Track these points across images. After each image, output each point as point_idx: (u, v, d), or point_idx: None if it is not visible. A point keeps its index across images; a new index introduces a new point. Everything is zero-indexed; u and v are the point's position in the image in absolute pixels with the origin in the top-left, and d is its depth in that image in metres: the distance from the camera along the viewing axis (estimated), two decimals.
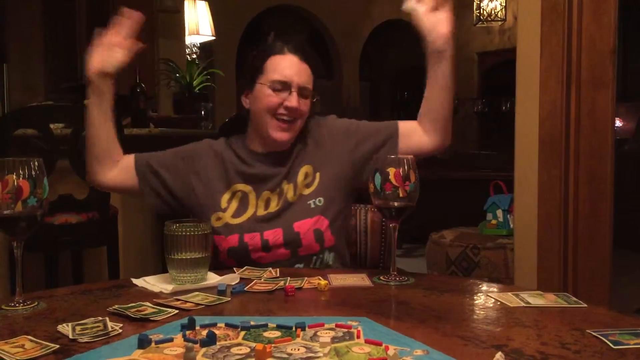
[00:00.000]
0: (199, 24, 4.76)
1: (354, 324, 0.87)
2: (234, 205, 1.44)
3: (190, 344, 0.74)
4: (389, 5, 8.58)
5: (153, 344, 0.79)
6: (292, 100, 1.43)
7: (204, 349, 0.77)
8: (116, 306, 0.96)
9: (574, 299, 1.03)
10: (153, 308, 0.96)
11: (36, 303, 1.00)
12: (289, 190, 1.44)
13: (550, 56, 2.25)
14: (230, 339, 0.81)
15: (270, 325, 0.85)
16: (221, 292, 1.07)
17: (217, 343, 0.79)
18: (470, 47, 8.50)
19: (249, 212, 1.43)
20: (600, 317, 0.94)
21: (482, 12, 6.90)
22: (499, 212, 3.40)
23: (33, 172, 0.99)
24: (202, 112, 3.76)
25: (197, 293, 1.06)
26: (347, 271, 1.26)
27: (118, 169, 1.46)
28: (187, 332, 0.83)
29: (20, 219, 0.99)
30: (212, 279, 1.16)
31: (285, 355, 0.75)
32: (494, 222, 3.40)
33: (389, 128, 1.48)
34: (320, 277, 1.13)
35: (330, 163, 1.47)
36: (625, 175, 4.41)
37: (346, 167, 1.47)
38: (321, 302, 1.05)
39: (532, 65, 2.29)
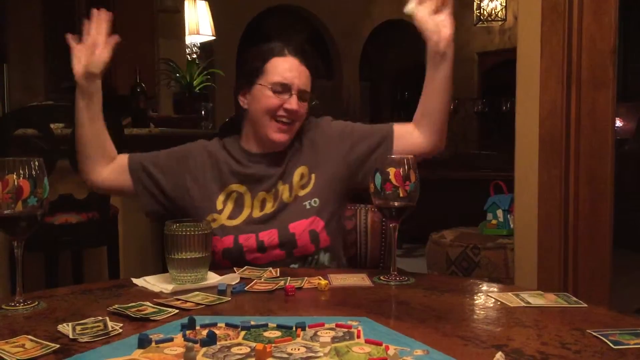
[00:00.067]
0: (199, 24, 4.76)
1: (354, 323, 0.87)
2: (230, 206, 1.44)
3: (190, 344, 0.74)
4: (389, 5, 8.58)
5: (153, 344, 0.79)
6: (292, 103, 1.43)
7: (204, 349, 0.77)
8: (116, 306, 0.96)
9: (574, 299, 1.03)
10: (153, 308, 0.96)
11: (36, 303, 1.00)
12: (284, 191, 1.44)
13: (551, 56, 2.25)
14: (230, 339, 0.81)
15: (271, 325, 0.85)
16: (221, 292, 1.07)
17: (218, 343, 0.79)
18: (470, 47, 8.50)
19: (245, 214, 1.43)
20: (600, 317, 0.94)
21: (482, 12, 6.91)
22: (499, 212, 3.39)
23: (33, 172, 0.99)
24: (203, 112, 3.76)
25: (197, 293, 1.06)
26: (347, 271, 1.26)
27: (111, 169, 1.46)
28: (188, 332, 0.83)
29: (20, 219, 0.99)
30: (212, 278, 1.16)
31: (285, 355, 0.75)
32: (494, 222, 3.40)
33: (384, 130, 1.48)
34: (320, 277, 1.13)
35: (326, 164, 1.47)
36: (625, 175, 4.41)
37: (341, 169, 1.47)
38: (321, 302, 1.05)
39: (532, 65, 2.29)
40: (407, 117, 1.50)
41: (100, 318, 0.90)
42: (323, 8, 8.15)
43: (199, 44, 5.01)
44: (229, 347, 0.78)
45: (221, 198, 1.45)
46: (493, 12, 6.88)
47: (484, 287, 1.17)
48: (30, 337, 0.83)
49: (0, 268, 2.52)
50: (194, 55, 4.90)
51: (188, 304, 0.99)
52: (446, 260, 3.29)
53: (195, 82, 3.68)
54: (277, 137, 1.44)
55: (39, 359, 0.76)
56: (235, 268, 1.27)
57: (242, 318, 0.89)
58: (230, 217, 1.42)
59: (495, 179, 3.64)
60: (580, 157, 2.23)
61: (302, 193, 1.45)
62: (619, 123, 6.33)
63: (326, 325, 0.85)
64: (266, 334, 0.82)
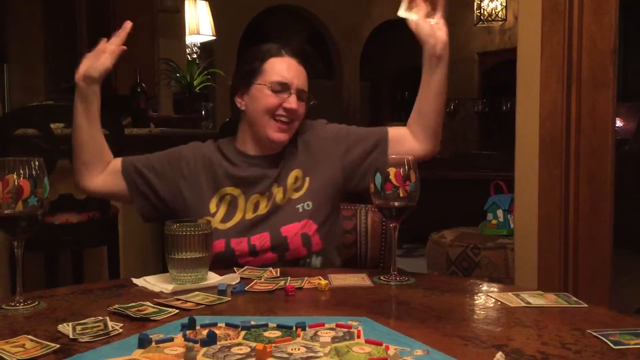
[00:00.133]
0: (199, 24, 4.76)
1: (355, 323, 0.87)
2: (223, 209, 1.43)
3: (190, 344, 0.74)
4: (389, 5, 8.56)
5: (153, 344, 0.79)
6: (292, 102, 1.43)
7: (204, 349, 0.77)
8: (117, 306, 0.96)
9: (575, 299, 1.03)
10: (153, 308, 0.96)
11: (37, 303, 1.00)
12: (278, 194, 1.44)
13: (551, 56, 2.25)
14: (230, 339, 0.81)
15: (271, 325, 0.85)
16: (221, 292, 1.07)
17: (218, 343, 0.79)
18: (470, 47, 8.50)
19: (238, 217, 1.42)
20: (600, 317, 0.94)
21: (482, 12, 6.90)
22: (500, 212, 3.39)
23: (34, 172, 0.99)
24: (203, 112, 3.76)
25: (197, 293, 1.06)
26: (347, 271, 1.26)
27: (105, 174, 1.45)
28: (188, 332, 0.83)
29: (20, 219, 0.99)
30: (213, 278, 1.16)
31: (285, 355, 0.75)
32: (494, 222, 3.40)
33: (379, 133, 1.48)
34: (320, 277, 1.13)
35: (320, 168, 1.46)
36: (625, 175, 4.41)
37: (336, 172, 1.47)
38: (321, 302, 1.05)
39: (532, 65, 2.29)
40: (407, 117, 1.50)
41: (101, 318, 0.90)
42: (323, 8, 8.15)
43: (199, 44, 5.01)
44: (229, 347, 0.78)
45: (214, 201, 1.44)
46: (493, 12, 6.88)
47: (484, 287, 1.17)
48: (30, 337, 0.83)
49: (1, 268, 2.52)
50: (194, 55, 4.90)
51: (188, 304, 0.99)
52: (446, 260, 3.29)
53: (195, 82, 3.68)
54: (276, 137, 1.44)
55: (39, 359, 0.76)
56: (235, 268, 1.27)
57: (242, 318, 0.89)
58: (223, 220, 1.42)
59: (495, 179, 3.64)
60: (580, 157, 2.23)
61: (295, 196, 1.44)
62: (619, 123, 6.32)
63: (326, 325, 0.85)
64: (266, 334, 0.82)
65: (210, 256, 1.18)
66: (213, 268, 1.34)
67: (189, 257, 1.13)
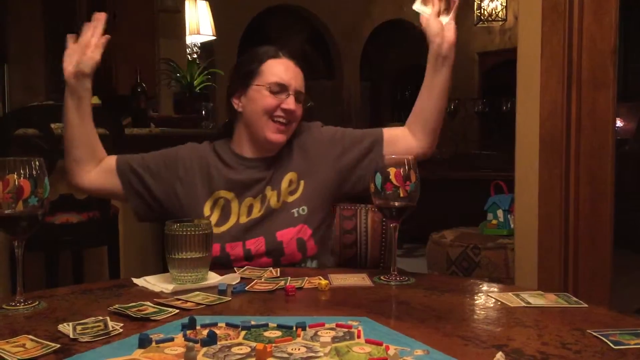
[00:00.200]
0: (199, 24, 4.76)
1: (355, 323, 0.87)
2: (217, 213, 1.42)
3: (191, 344, 0.74)
4: (390, 5, 8.58)
5: (154, 344, 0.79)
6: (290, 103, 1.43)
7: (204, 349, 0.77)
8: (117, 306, 0.96)
9: (575, 299, 1.03)
10: (154, 308, 0.96)
11: (37, 302, 1.00)
12: (272, 197, 1.43)
13: (551, 56, 2.25)
14: (230, 339, 0.81)
15: (271, 324, 0.85)
16: (222, 292, 1.07)
17: (218, 343, 0.79)
18: (470, 47, 8.50)
19: (232, 221, 1.42)
20: (600, 317, 0.94)
21: (482, 12, 6.90)
22: (500, 212, 3.39)
23: (34, 172, 0.99)
24: (203, 112, 3.76)
25: (197, 293, 1.06)
26: (347, 271, 1.26)
27: (99, 171, 1.44)
28: (188, 332, 0.83)
29: (21, 219, 1.00)
30: (213, 278, 1.16)
31: (285, 355, 0.75)
32: (494, 222, 3.40)
33: (374, 135, 1.48)
34: (320, 277, 1.13)
35: (315, 171, 1.46)
36: (625, 175, 4.41)
37: (331, 176, 1.47)
38: (322, 302, 1.05)
39: (532, 65, 2.29)
40: (407, 117, 1.50)
41: (101, 318, 0.90)
42: (323, 8, 8.15)
43: (199, 44, 5.01)
44: (229, 347, 0.78)
45: (208, 204, 1.43)
46: (493, 12, 6.87)
47: (485, 287, 1.17)
48: (30, 336, 0.83)
49: (1, 268, 2.52)
50: (195, 55, 4.90)
51: (188, 304, 0.99)
52: (446, 260, 3.29)
53: (195, 82, 3.68)
54: (274, 138, 1.44)
55: (39, 359, 0.76)
56: (235, 268, 1.27)
57: (242, 318, 0.89)
58: (217, 224, 1.41)
59: (495, 179, 3.64)
60: (580, 157, 2.23)
61: (290, 199, 1.44)
62: (619, 123, 6.32)
63: (326, 325, 0.85)
64: (266, 333, 0.82)
65: (211, 256, 1.18)
66: (210, 270, 1.35)
67: (189, 257, 1.13)
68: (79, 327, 0.86)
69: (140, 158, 1.47)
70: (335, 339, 0.80)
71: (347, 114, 8.65)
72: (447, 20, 1.36)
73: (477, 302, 1.05)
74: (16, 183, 0.97)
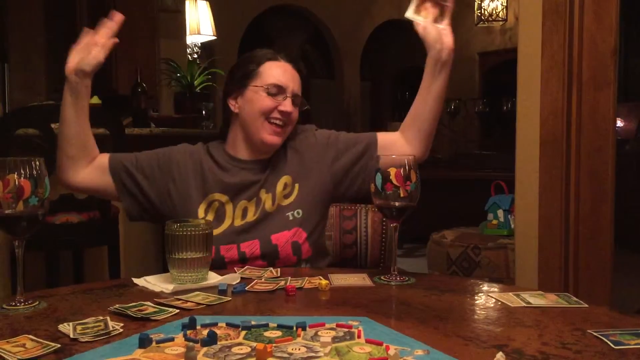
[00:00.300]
0: (200, 24, 4.76)
1: (355, 323, 0.87)
2: (211, 216, 1.42)
3: (191, 344, 0.74)
4: (390, 5, 8.58)
5: (154, 344, 0.79)
6: (287, 105, 1.43)
7: (204, 349, 0.77)
8: (117, 306, 0.96)
9: (575, 299, 1.03)
10: (154, 307, 0.96)
11: (37, 302, 1.00)
12: (267, 200, 1.43)
13: (552, 56, 2.25)
14: (231, 339, 0.81)
15: (271, 324, 0.85)
16: (222, 292, 1.07)
17: (218, 343, 0.79)
18: (471, 47, 8.50)
19: (226, 224, 1.41)
20: (601, 317, 0.94)
21: (483, 12, 6.90)
22: (500, 212, 3.39)
23: (34, 172, 0.99)
24: (203, 112, 3.76)
25: (198, 293, 1.06)
26: (347, 271, 1.26)
27: (91, 169, 1.43)
28: (188, 332, 0.83)
29: (21, 219, 1.00)
30: (213, 278, 1.16)
31: (286, 355, 0.75)
32: (495, 222, 3.40)
33: (368, 139, 1.48)
34: (321, 277, 1.13)
35: (310, 174, 1.46)
36: (626, 175, 4.40)
37: (325, 179, 1.46)
38: (322, 302, 1.05)
39: (533, 65, 2.29)
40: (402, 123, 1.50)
41: (101, 318, 0.90)
42: (324, 8, 8.16)
43: (199, 44, 5.01)
44: (229, 347, 0.78)
45: (203, 207, 1.43)
46: (494, 12, 6.88)
47: (485, 287, 1.17)
48: (31, 336, 0.83)
49: (2, 268, 2.52)
50: (195, 55, 4.90)
51: (189, 304, 0.99)
52: (447, 260, 3.29)
53: (196, 82, 3.68)
54: (270, 139, 1.43)
55: (39, 359, 0.76)
56: (235, 268, 1.27)
57: (242, 318, 0.89)
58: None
59: (496, 179, 3.64)
60: (581, 157, 2.23)
61: (285, 203, 1.43)
62: (619, 123, 6.32)
63: (327, 325, 0.85)
64: (267, 333, 0.82)
65: (211, 256, 1.18)
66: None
67: (189, 257, 1.13)
68: (79, 327, 0.86)
69: (134, 157, 1.46)
70: (335, 339, 0.80)
71: (347, 114, 8.65)
72: (442, 26, 1.36)
73: (477, 302, 1.05)
74: (16, 183, 0.98)
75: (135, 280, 1.16)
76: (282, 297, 1.06)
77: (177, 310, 0.96)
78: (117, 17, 1.37)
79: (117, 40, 1.37)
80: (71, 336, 0.83)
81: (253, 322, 0.86)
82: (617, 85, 2.20)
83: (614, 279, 2.24)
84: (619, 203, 2.24)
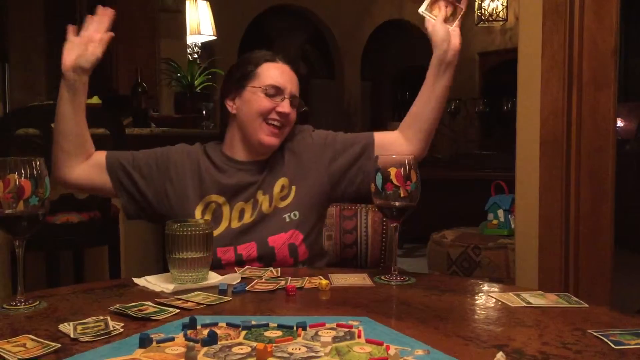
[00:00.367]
0: (200, 24, 4.76)
1: (355, 323, 0.87)
2: (208, 217, 1.41)
3: (191, 344, 0.74)
4: (390, 5, 8.59)
5: (154, 343, 0.79)
6: (285, 106, 1.43)
7: (205, 349, 0.77)
8: (117, 305, 0.96)
9: (575, 299, 1.03)
10: (154, 307, 0.96)
11: (37, 302, 1.00)
12: (264, 202, 1.43)
13: (552, 56, 2.25)
14: (231, 339, 0.81)
15: (271, 324, 0.85)
16: (222, 292, 1.07)
17: (218, 342, 0.79)
18: (471, 47, 8.49)
19: (223, 225, 1.41)
20: (601, 317, 0.94)
21: (483, 12, 6.90)
22: (500, 212, 3.39)
23: (35, 172, 0.99)
24: (204, 112, 3.76)
25: (198, 292, 1.06)
26: (348, 271, 1.26)
27: (87, 166, 1.42)
28: (189, 332, 0.83)
29: (22, 219, 1.00)
30: (213, 278, 1.16)
31: (286, 355, 0.75)
32: (495, 222, 3.40)
33: (365, 139, 1.48)
34: (321, 277, 1.13)
35: (307, 176, 1.45)
36: (626, 175, 4.40)
37: (323, 180, 1.46)
38: (322, 302, 1.05)
39: (533, 65, 2.29)
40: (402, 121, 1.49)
41: (102, 317, 0.90)
42: (324, 8, 8.16)
43: (200, 44, 5.01)
44: (229, 347, 0.78)
45: (200, 208, 1.42)
46: (494, 12, 6.87)
47: (485, 287, 1.17)
48: (31, 336, 0.83)
49: (2, 267, 2.52)
50: (195, 55, 4.90)
51: (189, 304, 0.99)
52: (447, 260, 3.29)
53: (196, 82, 3.68)
54: (268, 141, 1.43)
55: (40, 359, 0.76)
56: (236, 268, 1.27)
57: (243, 318, 0.89)
58: None
59: (496, 179, 3.64)
60: (581, 157, 2.23)
61: (282, 205, 1.43)
62: (620, 123, 6.31)
63: (327, 325, 0.85)
64: (267, 333, 0.82)
65: (211, 256, 1.18)
66: None
67: (189, 256, 1.13)
68: (79, 327, 0.86)
69: (131, 156, 1.46)
70: (335, 339, 0.80)
71: (347, 114, 8.66)
72: (452, 26, 1.37)
73: (477, 302, 1.05)
74: (17, 183, 0.98)
75: (136, 280, 1.16)
76: (282, 297, 1.06)
77: (178, 310, 0.96)
78: (107, 11, 1.36)
79: (112, 34, 1.36)
80: (71, 336, 0.83)
81: (253, 322, 0.86)
82: (618, 85, 2.20)
83: (614, 279, 2.24)
84: (619, 203, 2.24)
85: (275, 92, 1.43)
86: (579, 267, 2.25)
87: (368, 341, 0.79)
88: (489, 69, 8.61)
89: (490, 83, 8.63)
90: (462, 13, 1.37)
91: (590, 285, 2.23)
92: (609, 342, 0.80)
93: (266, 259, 1.38)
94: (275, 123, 1.43)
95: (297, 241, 1.40)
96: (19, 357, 0.76)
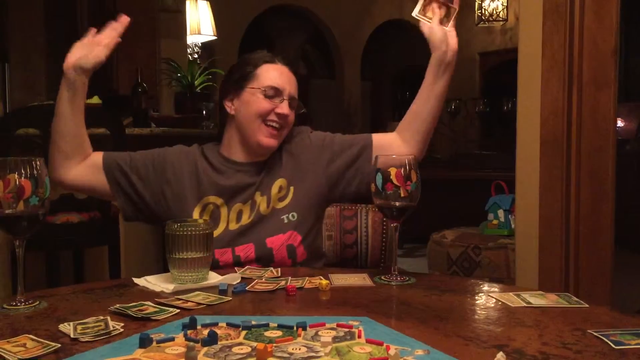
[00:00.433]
0: (200, 24, 4.76)
1: (355, 323, 0.87)
2: (206, 219, 1.41)
3: (191, 344, 0.74)
4: (390, 5, 8.59)
5: (154, 343, 0.79)
6: (284, 108, 1.43)
7: (205, 348, 0.77)
8: (118, 305, 0.96)
9: (576, 299, 1.03)
10: (154, 307, 0.96)
11: (38, 302, 1.00)
12: (262, 203, 1.42)
13: (552, 56, 2.25)
14: (231, 339, 0.81)
15: (272, 324, 0.85)
16: (222, 292, 1.07)
17: (219, 342, 0.79)
18: (471, 47, 8.50)
19: (221, 227, 1.41)
20: (601, 317, 0.94)
21: (483, 12, 6.90)
22: (501, 212, 3.39)
23: (35, 172, 1.00)
24: (204, 112, 3.76)
25: (198, 292, 1.06)
26: (348, 271, 1.26)
27: (84, 167, 1.42)
28: (189, 332, 0.83)
29: (22, 218, 1.00)
30: (213, 278, 1.16)
31: (286, 355, 0.75)
32: (495, 222, 3.40)
33: (363, 140, 1.48)
34: (321, 277, 1.13)
35: (305, 177, 1.45)
36: (626, 175, 4.40)
37: (321, 182, 1.46)
38: (322, 302, 1.05)
39: (533, 65, 2.29)
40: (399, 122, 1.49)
41: (102, 317, 0.90)
42: (324, 8, 8.16)
43: (200, 44, 5.01)
44: (230, 347, 0.78)
45: (197, 209, 1.42)
46: (494, 12, 6.88)
47: (485, 287, 1.17)
48: (31, 336, 0.83)
49: (2, 267, 2.52)
50: (195, 55, 4.90)
51: (189, 304, 0.99)
52: (447, 260, 3.29)
53: (196, 82, 3.68)
54: (266, 142, 1.43)
55: (40, 359, 0.76)
56: (236, 268, 1.27)
57: (243, 318, 0.89)
58: None
59: (496, 179, 3.64)
60: (581, 157, 2.23)
61: (280, 206, 1.43)
62: (620, 123, 6.31)
63: (327, 325, 0.85)
64: (267, 333, 0.82)
65: (212, 256, 1.18)
66: None
67: (190, 256, 1.13)
68: (79, 327, 0.86)
69: (128, 157, 1.45)
70: (336, 339, 0.80)
71: (347, 114, 8.66)
72: (448, 27, 1.37)
73: (477, 302, 1.05)
74: (17, 183, 0.98)
75: (136, 280, 1.16)
76: (282, 297, 1.06)
77: (178, 310, 0.96)
78: (124, 19, 1.37)
79: (119, 40, 1.37)
80: (71, 336, 0.83)
81: (253, 322, 0.86)
82: (618, 85, 2.20)
83: (614, 279, 2.24)
84: (620, 203, 2.24)
85: (274, 93, 1.43)
86: (579, 267, 2.25)
87: (368, 341, 0.79)
88: (489, 69, 8.61)
89: (491, 83, 8.63)
90: (455, 13, 1.37)
91: (591, 285, 2.23)
92: (609, 342, 0.80)
93: (264, 260, 1.38)
94: (274, 124, 1.43)
95: (295, 242, 1.40)
96: (19, 357, 0.76)
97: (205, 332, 0.82)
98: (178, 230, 1.13)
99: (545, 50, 2.26)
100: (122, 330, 0.86)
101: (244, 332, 0.83)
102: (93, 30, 1.36)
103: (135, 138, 2.77)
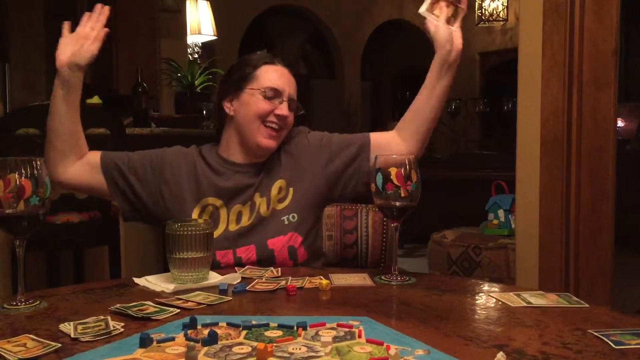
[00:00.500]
0: (200, 24, 4.76)
1: (356, 323, 0.87)
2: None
3: (192, 343, 0.74)
4: (390, 5, 8.58)
5: (155, 343, 0.79)
6: (283, 109, 1.43)
7: (205, 348, 0.77)
8: (118, 305, 0.96)
9: (576, 299, 1.03)
10: (155, 307, 0.96)
11: (38, 302, 1.00)
12: (261, 204, 1.42)
13: (552, 56, 2.25)
14: (231, 338, 0.81)
15: (272, 324, 0.85)
16: (223, 292, 1.07)
17: (219, 342, 0.79)
18: (471, 47, 8.49)
19: (220, 229, 1.40)
20: (601, 317, 0.94)
21: (483, 12, 6.91)
22: (501, 212, 3.39)
23: (35, 172, 1.00)
24: (204, 112, 3.76)
25: (198, 292, 1.06)
26: (348, 271, 1.26)
27: (81, 166, 1.41)
28: (189, 331, 0.83)
29: (22, 218, 1.00)
30: (214, 278, 1.16)
31: (286, 355, 0.75)
32: (495, 222, 3.40)
33: (361, 140, 1.47)
34: (321, 277, 1.13)
35: (304, 178, 1.45)
36: (626, 175, 4.40)
37: (320, 182, 1.46)
38: (322, 302, 1.05)
39: (533, 65, 2.29)
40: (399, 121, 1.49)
41: (102, 317, 0.90)
42: (324, 8, 8.16)
43: (200, 44, 5.01)
44: (230, 347, 0.78)
45: (196, 211, 1.42)
46: (494, 12, 6.88)
47: (485, 287, 1.17)
48: (31, 336, 0.83)
49: (3, 267, 2.52)
50: (196, 55, 4.90)
51: (189, 304, 0.99)
52: (447, 260, 3.29)
53: (196, 81, 3.68)
54: (265, 143, 1.42)
55: (40, 358, 0.76)
56: (236, 268, 1.27)
57: (243, 317, 0.89)
58: None
59: (496, 179, 3.64)
60: (581, 157, 2.23)
61: (280, 207, 1.42)
62: (620, 123, 6.31)
63: (327, 325, 0.85)
64: (267, 333, 0.82)
65: (212, 256, 1.18)
66: None
67: (190, 256, 1.13)
68: (80, 327, 0.86)
69: (126, 157, 1.45)
70: (336, 339, 0.80)
71: (347, 114, 8.66)
72: (454, 27, 1.37)
73: (478, 302, 1.05)
74: (17, 183, 0.98)
75: (136, 280, 1.16)
76: (282, 296, 1.06)
77: (178, 310, 0.96)
78: (105, 9, 1.36)
79: (108, 30, 1.35)
80: (72, 336, 0.83)
81: (254, 322, 0.86)
82: (618, 85, 2.20)
83: (614, 278, 2.24)
84: (620, 203, 2.24)
85: (274, 94, 1.43)
86: (580, 267, 2.25)
87: (368, 341, 0.79)
88: (490, 69, 8.61)
89: (491, 83, 8.63)
90: (463, 14, 1.37)
91: (591, 285, 2.23)
92: (610, 342, 0.80)
93: (266, 261, 1.37)
94: (273, 125, 1.42)
95: (296, 243, 1.40)
96: (20, 356, 0.76)
97: (206, 331, 0.82)
98: (178, 230, 1.13)
99: (545, 50, 2.26)
100: (122, 330, 0.86)
101: (244, 332, 0.83)
102: (67, 24, 1.34)
103: (135, 138, 2.77)
